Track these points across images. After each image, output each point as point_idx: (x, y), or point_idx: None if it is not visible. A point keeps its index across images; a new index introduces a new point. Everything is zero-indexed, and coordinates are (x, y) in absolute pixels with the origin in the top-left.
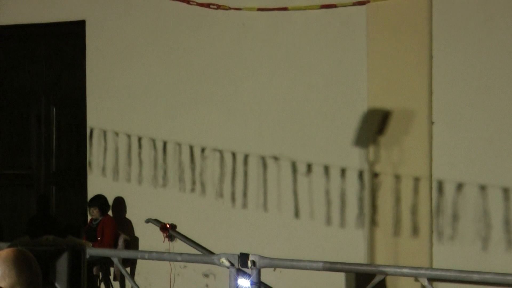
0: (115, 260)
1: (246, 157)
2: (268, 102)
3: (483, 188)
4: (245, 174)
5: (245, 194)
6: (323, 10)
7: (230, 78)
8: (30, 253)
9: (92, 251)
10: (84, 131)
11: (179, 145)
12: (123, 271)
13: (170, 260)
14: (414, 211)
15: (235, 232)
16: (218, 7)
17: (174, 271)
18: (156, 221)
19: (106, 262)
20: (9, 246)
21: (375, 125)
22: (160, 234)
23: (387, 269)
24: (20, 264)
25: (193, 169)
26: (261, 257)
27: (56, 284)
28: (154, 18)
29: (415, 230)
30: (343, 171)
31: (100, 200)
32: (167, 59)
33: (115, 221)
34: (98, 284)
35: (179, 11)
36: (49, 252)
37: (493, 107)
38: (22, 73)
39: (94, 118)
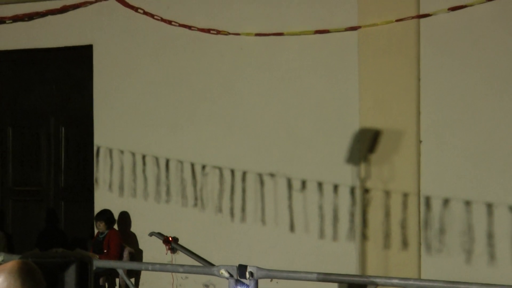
0: (120, 272)
1: (244, 174)
2: (265, 121)
3: (468, 203)
4: (243, 190)
5: (243, 209)
6: (317, 35)
7: (229, 99)
8: (34, 264)
9: (98, 263)
10: (91, 149)
11: (181, 162)
12: (128, 282)
13: (172, 272)
14: (403, 225)
15: (234, 244)
16: (218, 32)
17: (176, 282)
18: (159, 235)
19: (112, 273)
20: (20, 259)
21: (366, 144)
22: (163, 247)
23: (377, 280)
24: (24, 274)
25: (194, 185)
26: (259, 268)
27: None
28: (157, 43)
29: (404, 243)
30: (335, 187)
31: (106, 214)
32: (169, 81)
33: (120, 234)
34: None
35: (181, 36)
36: (58, 264)
37: (478, 126)
38: (33, 94)
39: (101, 137)
